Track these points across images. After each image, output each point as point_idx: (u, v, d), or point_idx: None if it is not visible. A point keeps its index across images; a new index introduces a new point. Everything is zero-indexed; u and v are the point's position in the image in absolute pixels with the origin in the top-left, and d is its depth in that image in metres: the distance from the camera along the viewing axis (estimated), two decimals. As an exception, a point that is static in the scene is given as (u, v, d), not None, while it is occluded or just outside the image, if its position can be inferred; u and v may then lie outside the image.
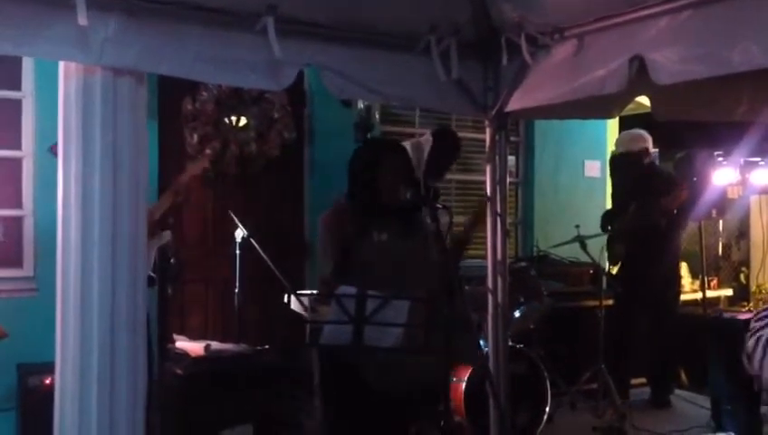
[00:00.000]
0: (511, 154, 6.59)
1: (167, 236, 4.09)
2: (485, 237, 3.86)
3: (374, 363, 2.77)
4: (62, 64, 2.70)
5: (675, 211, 5.49)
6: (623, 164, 5.84)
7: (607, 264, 5.77)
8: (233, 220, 4.35)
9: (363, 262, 2.84)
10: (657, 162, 6.84)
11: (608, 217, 5.80)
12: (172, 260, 4.71)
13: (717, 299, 7.17)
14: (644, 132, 5.71)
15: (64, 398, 2.69)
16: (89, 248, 2.66)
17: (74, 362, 2.67)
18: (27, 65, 4.59)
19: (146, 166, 2.85)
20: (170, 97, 4.96)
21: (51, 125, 2.79)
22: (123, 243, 2.71)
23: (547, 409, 4.46)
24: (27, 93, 4.61)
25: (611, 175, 6.30)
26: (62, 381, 2.70)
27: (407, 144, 4.20)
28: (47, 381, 3.55)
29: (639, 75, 2.92)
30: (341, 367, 2.86)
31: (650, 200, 5.42)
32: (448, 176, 6.16)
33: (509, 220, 5.62)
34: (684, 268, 7.13)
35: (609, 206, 6.34)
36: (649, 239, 5.46)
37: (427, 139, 4.93)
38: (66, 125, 2.70)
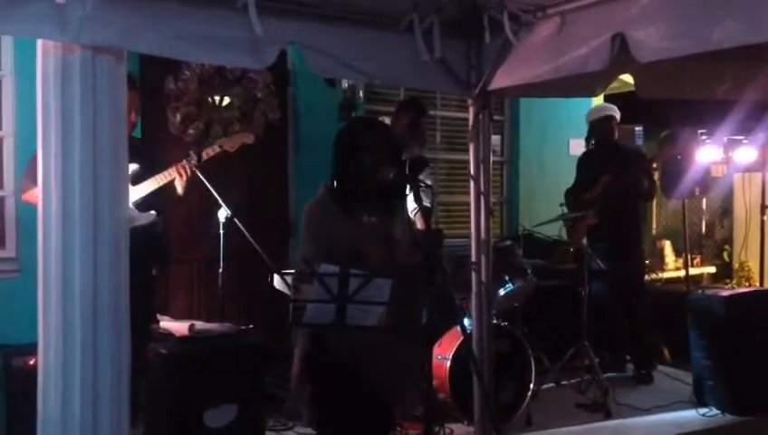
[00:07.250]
0: (496, 133, 6.59)
1: (151, 216, 4.07)
2: (470, 216, 3.87)
3: (356, 345, 2.77)
4: (40, 43, 2.66)
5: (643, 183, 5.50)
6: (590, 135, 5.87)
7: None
8: (217, 200, 4.32)
9: (353, 245, 2.83)
10: (642, 141, 6.89)
11: (571, 193, 5.71)
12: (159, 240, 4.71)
13: (701, 277, 7.24)
14: (608, 104, 5.74)
15: (47, 379, 2.68)
16: (69, 228, 2.64)
17: (57, 343, 2.66)
18: (7, 44, 4.52)
19: (126, 145, 2.82)
20: (152, 76, 4.92)
21: (31, 104, 2.75)
22: (104, 222, 2.69)
23: (531, 386, 4.49)
24: (7, 73, 4.55)
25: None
26: (45, 363, 2.69)
27: None
28: (31, 363, 3.53)
29: (622, 53, 2.92)
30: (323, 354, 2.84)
31: (623, 170, 5.39)
32: (434, 155, 6.18)
33: (494, 199, 5.64)
34: (667, 246, 7.20)
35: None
36: (615, 211, 5.33)
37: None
38: (45, 104, 2.67)
